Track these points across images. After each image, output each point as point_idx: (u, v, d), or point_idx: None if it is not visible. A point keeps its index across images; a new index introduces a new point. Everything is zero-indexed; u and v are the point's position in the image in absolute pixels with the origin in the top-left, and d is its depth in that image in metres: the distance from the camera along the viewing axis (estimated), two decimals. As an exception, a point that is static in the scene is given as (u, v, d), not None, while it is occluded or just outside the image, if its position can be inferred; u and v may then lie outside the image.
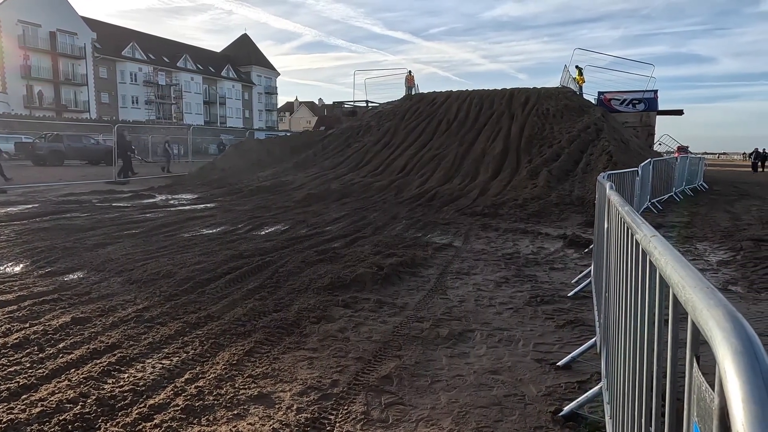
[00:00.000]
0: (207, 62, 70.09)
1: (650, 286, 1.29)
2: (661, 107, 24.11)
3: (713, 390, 0.64)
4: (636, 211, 1.75)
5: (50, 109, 48.79)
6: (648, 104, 23.25)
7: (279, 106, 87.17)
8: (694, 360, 0.78)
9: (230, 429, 2.58)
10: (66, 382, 2.96)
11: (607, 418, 2.46)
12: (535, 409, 2.90)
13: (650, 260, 1.21)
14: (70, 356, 3.31)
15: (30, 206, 10.77)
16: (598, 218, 4.35)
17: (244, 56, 76.12)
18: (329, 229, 8.64)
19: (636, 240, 1.46)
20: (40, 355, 3.31)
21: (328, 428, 2.63)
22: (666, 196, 13.41)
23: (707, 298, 0.68)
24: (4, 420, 2.51)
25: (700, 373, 0.73)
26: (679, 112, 26.25)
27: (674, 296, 0.89)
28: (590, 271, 5.37)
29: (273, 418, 2.69)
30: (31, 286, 4.91)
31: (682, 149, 31.20)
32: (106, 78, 56.79)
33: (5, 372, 3.03)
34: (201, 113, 67.23)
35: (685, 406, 0.79)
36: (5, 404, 2.68)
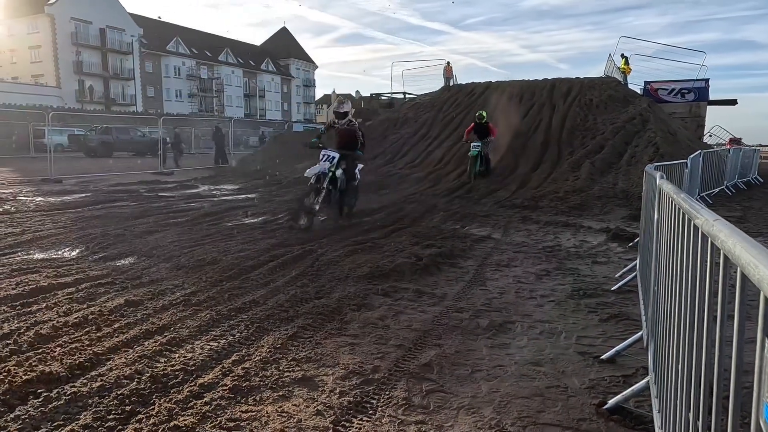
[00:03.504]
0: (247, 56, 71.39)
1: (711, 271, 1.25)
2: (712, 97, 22.99)
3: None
4: (692, 198, 1.70)
5: (100, 103, 50.90)
6: (698, 94, 22.20)
7: (317, 98, 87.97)
8: (766, 340, 0.76)
9: (276, 409, 2.66)
10: (122, 359, 3.12)
11: (654, 412, 2.41)
12: (579, 401, 2.86)
13: (713, 244, 1.18)
14: (125, 336, 3.48)
15: (83, 195, 11.31)
16: (646, 210, 4.22)
17: (283, 49, 77.12)
18: (367, 220, 8.71)
19: (695, 225, 1.42)
20: (98, 334, 3.49)
21: (370, 412, 2.68)
22: (716, 190, 12.85)
23: (784, 275, 0.67)
24: (68, 392, 2.67)
25: (773, 353, 0.71)
26: (733, 102, 24.94)
27: (743, 277, 0.87)
28: (635, 264, 5.23)
29: (317, 401, 2.76)
30: (87, 270, 5.17)
31: (735, 141, 29.72)
32: (152, 72, 58.74)
33: (68, 348, 3.21)
34: (241, 106, 68.66)
35: (755, 388, 0.77)
36: (68, 378, 2.85)
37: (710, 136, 29.22)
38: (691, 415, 1.55)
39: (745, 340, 1.03)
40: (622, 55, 22.40)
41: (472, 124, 14.21)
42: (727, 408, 1.07)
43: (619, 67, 22.24)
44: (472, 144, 13.92)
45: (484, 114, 14.36)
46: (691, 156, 9.89)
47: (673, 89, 22.59)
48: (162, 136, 21.74)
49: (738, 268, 0.91)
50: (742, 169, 15.56)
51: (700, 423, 1.47)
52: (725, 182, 13.60)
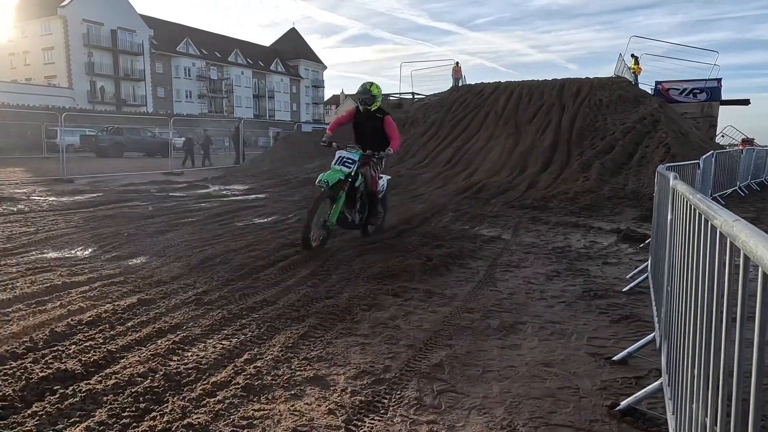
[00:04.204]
0: (256, 57, 71.73)
1: (729, 273, 1.24)
2: (725, 97, 22.73)
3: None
4: (708, 198, 1.69)
5: (111, 104, 51.36)
6: (710, 94, 21.96)
7: (325, 99, 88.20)
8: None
9: (288, 408, 2.68)
10: (136, 357, 3.15)
11: (668, 414, 2.39)
12: (590, 403, 2.85)
13: (732, 244, 1.17)
14: (138, 334, 3.51)
15: (95, 195, 11.42)
16: (658, 211, 4.19)
17: (292, 50, 77.44)
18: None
19: (713, 226, 1.41)
20: (111, 332, 3.53)
21: (381, 411, 2.68)
22: (729, 191, 12.71)
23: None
24: (84, 390, 2.70)
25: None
26: (745, 102, 24.65)
27: (765, 277, 0.87)
28: (647, 266, 5.19)
29: (328, 400, 2.77)
30: (100, 269, 5.22)
31: (747, 141, 29.38)
32: (162, 73, 59.21)
33: (82, 346, 3.25)
34: (251, 107, 69.01)
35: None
36: (83, 375, 2.89)
37: (722, 136, 28.89)
38: (708, 419, 1.54)
39: (766, 342, 1.02)
40: (632, 55, 22.25)
41: (350, 110, 7.00)
42: (746, 412, 1.06)
43: (629, 67, 22.08)
44: (337, 155, 6.45)
45: (376, 90, 6.54)
46: (704, 156, 9.80)
47: (685, 89, 22.36)
48: (189, 138, 23.04)
49: (760, 269, 0.90)
50: (755, 170, 15.38)
51: (717, 428, 1.46)
52: (738, 183, 13.45)
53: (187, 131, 27.45)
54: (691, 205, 1.89)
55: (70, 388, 2.72)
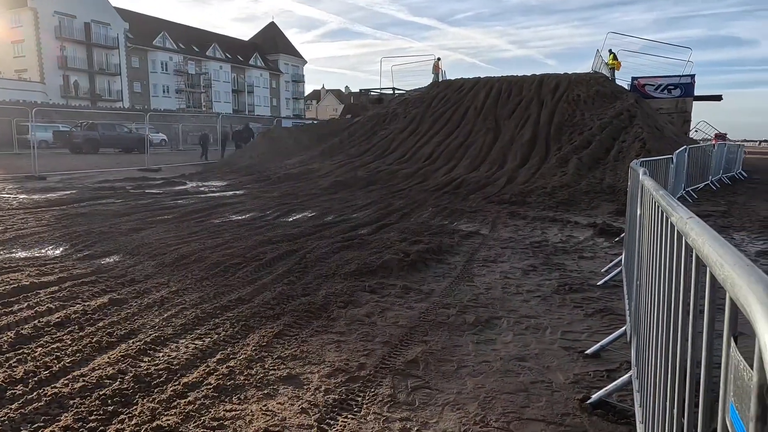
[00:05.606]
0: (235, 51, 70.71)
1: (685, 269, 1.26)
2: (698, 93, 23.22)
3: (751, 368, 0.63)
4: (671, 195, 1.71)
5: (85, 99, 50.12)
6: (684, 90, 22.42)
7: (306, 94, 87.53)
8: (732, 340, 0.76)
9: (260, 408, 2.65)
10: (105, 359, 3.08)
11: (636, 406, 2.43)
12: (563, 396, 2.88)
13: (686, 242, 1.19)
14: (108, 335, 3.44)
15: (68, 192, 11.15)
16: (631, 205, 4.26)
17: (272, 45, 76.51)
18: (356, 216, 8.69)
19: (671, 223, 1.43)
20: (81, 334, 3.45)
21: (355, 410, 2.67)
22: (702, 185, 12.99)
23: (747, 275, 0.67)
24: (49, 393, 2.63)
25: (738, 352, 0.71)
26: (718, 98, 25.24)
27: (712, 276, 0.87)
28: (621, 260, 5.27)
29: (302, 399, 2.75)
30: (71, 268, 5.10)
31: (720, 137, 30.08)
32: (138, 67, 57.94)
33: (48, 348, 3.17)
34: (229, 102, 68.04)
35: (722, 387, 0.78)
36: (49, 379, 2.81)
37: (696, 131, 29.54)
38: (668, 407, 1.57)
39: (718, 335, 1.04)
40: (610, 51, 22.54)
41: None
42: (704, 401, 1.07)
43: (606, 63, 22.37)
44: None
45: None
46: (677, 151, 9.98)
47: (660, 85, 22.78)
48: (204, 134, 24.37)
49: (707, 268, 0.91)
50: (727, 164, 15.75)
51: (675, 413, 1.48)
52: (710, 177, 13.75)
53: (203, 127, 28.02)
54: (655, 201, 1.91)
55: (35, 392, 2.65)
